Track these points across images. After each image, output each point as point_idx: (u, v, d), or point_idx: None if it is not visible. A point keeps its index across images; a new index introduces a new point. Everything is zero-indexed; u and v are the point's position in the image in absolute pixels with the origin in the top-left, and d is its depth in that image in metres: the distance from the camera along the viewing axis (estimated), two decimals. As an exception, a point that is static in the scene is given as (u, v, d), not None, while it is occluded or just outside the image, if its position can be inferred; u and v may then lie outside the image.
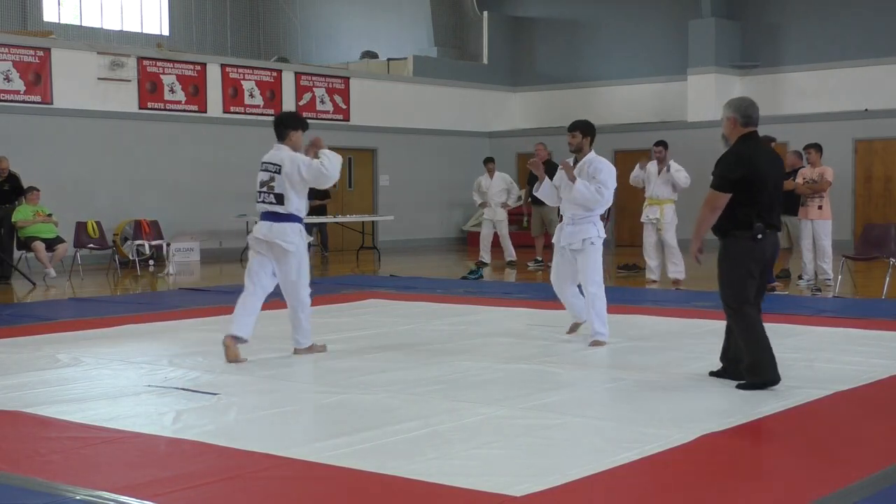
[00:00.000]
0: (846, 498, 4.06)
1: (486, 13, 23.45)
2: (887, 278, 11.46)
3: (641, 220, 13.22)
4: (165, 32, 24.48)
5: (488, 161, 16.80)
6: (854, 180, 18.60)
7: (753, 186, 6.10)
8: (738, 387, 6.12)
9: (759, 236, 6.12)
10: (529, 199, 15.88)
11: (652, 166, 13.00)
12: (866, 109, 18.68)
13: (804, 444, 5.04)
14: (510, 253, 16.26)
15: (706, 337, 8.26)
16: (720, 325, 8.90)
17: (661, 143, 13.10)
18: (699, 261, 6.55)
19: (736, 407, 5.62)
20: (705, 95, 20.36)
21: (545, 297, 11.26)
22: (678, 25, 20.88)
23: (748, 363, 6.15)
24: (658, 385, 6.32)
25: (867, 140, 18.64)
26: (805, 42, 19.84)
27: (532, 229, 15.93)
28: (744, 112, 6.27)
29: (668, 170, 12.72)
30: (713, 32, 20.23)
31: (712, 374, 6.52)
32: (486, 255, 16.28)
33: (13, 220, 14.59)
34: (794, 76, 19.15)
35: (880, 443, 5.02)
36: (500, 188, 16.29)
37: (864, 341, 7.68)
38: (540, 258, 15.66)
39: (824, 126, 18.12)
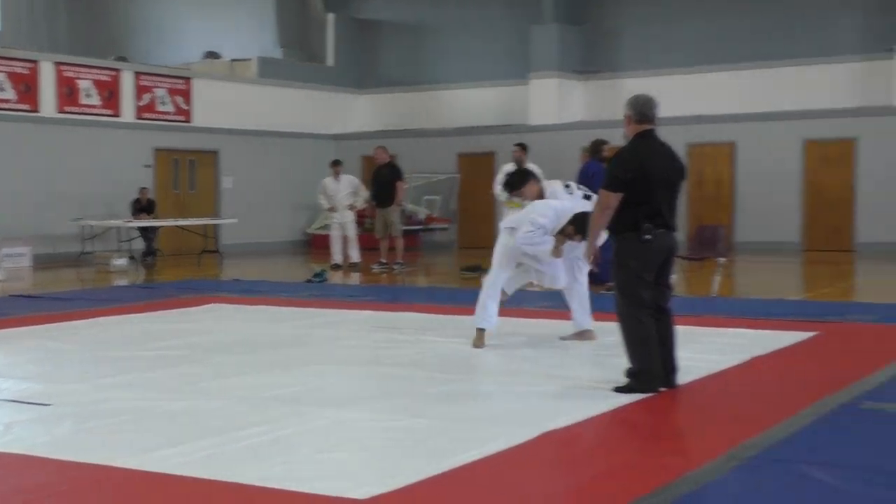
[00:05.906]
0: (667, 495, 4.21)
1: (331, 15, 23.36)
2: (716, 277, 11.98)
3: (502, 225, 13.22)
4: (-6, 27, 23.47)
5: (335, 163, 16.74)
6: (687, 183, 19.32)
7: (643, 186, 5.93)
8: (615, 389, 5.96)
9: (647, 237, 5.93)
10: (374, 202, 15.91)
11: (511, 168, 13.08)
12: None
13: (640, 438, 5.21)
14: (356, 255, 16.21)
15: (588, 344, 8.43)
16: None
17: (519, 145, 13.23)
18: (597, 266, 6.51)
19: (576, 405, 5.72)
20: (547, 99, 20.82)
21: (389, 299, 11.32)
22: (521, 30, 21.27)
23: (634, 371, 5.99)
24: (505, 385, 6.40)
25: (699, 144, 19.40)
26: (642, 48, 20.52)
27: (376, 231, 15.92)
28: (639, 109, 6.16)
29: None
30: (555, 38, 20.70)
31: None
32: (337, 257, 16.22)
33: None
34: (632, 82, 19.73)
35: (708, 437, 5.20)
36: (347, 190, 16.35)
37: (698, 337, 7.95)
38: (384, 260, 15.67)
39: (659, 130, 18.72)
